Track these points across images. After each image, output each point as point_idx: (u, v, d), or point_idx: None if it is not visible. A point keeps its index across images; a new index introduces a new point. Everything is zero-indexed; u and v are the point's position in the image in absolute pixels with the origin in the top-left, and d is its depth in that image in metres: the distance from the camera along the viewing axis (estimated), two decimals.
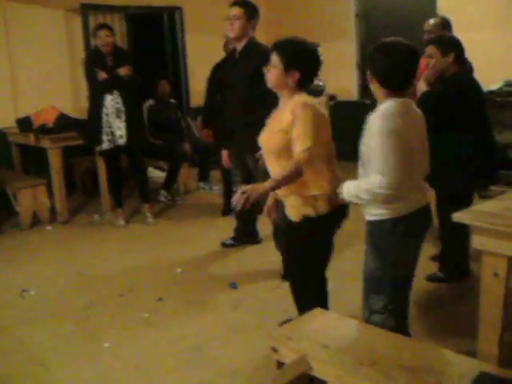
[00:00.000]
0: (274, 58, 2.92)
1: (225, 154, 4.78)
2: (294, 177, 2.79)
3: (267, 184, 2.80)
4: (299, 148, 2.77)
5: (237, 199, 2.70)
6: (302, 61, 2.91)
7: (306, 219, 2.90)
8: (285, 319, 3.38)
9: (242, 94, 4.41)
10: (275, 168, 2.96)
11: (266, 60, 3.00)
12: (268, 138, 2.97)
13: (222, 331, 3.57)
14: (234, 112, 4.53)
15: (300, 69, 2.87)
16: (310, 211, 2.88)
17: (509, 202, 2.39)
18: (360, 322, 2.64)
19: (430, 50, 3.87)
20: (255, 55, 4.20)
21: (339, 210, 2.93)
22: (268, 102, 3.16)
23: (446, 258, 4.17)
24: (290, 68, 2.88)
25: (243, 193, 2.70)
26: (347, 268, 4.15)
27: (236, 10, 4.34)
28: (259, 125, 3.10)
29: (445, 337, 3.34)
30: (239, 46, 4.47)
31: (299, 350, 2.37)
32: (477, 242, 2.27)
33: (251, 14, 4.39)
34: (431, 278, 4.15)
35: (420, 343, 2.44)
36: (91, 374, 3.18)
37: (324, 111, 2.93)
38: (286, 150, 2.85)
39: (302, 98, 2.90)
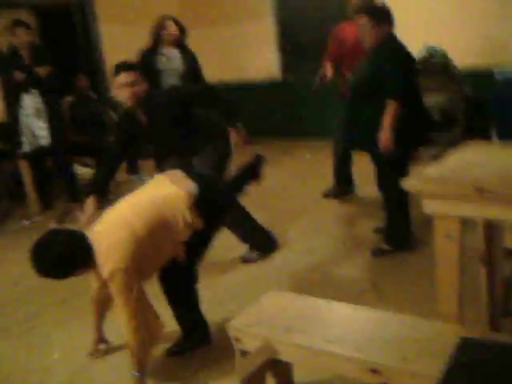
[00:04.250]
0: None
1: None
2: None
3: None
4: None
5: None
6: None
7: None
8: None
9: None
10: None
11: None
12: None
13: None
14: None
15: None
16: None
17: (453, 164, 2.39)
18: (318, 299, 2.61)
19: (363, 20, 3.83)
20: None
21: None
22: None
23: (392, 229, 4.11)
24: None
25: None
26: None
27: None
28: None
29: (401, 304, 3.37)
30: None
31: (262, 336, 2.33)
32: (428, 206, 2.26)
33: None
34: (376, 252, 4.11)
35: (380, 313, 2.44)
36: None
37: None
38: None
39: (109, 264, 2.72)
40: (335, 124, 5.30)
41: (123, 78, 3.59)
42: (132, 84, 3.58)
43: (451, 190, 2.15)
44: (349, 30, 5.06)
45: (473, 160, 2.39)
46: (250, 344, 2.36)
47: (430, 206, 2.23)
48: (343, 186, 5.49)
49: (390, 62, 3.79)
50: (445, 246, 2.28)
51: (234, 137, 3.95)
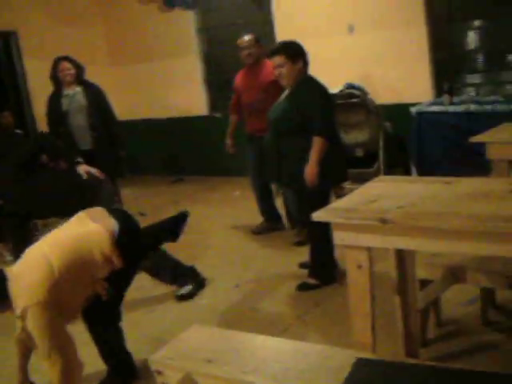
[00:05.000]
0: None
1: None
2: None
3: None
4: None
5: None
6: None
7: None
8: None
9: None
10: None
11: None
12: None
13: None
14: None
15: None
16: None
17: (361, 197, 2.52)
18: (239, 332, 2.67)
19: (279, 59, 3.95)
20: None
21: None
22: None
23: (317, 263, 4.19)
24: None
25: None
26: None
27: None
28: None
29: (327, 336, 3.46)
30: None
31: (183, 369, 2.36)
32: (338, 237, 2.38)
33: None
34: (302, 287, 4.16)
35: (298, 344, 2.52)
36: None
37: None
38: None
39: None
40: (249, 163, 5.48)
41: None
42: None
43: (357, 221, 2.26)
44: (239, 79, 5.42)
45: (380, 193, 2.52)
46: (172, 377, 2.39)
47: (339, 237, 2.34)
48: (271, 222, 5.60)
49: (313, 99, 3.93)
50: (356, 276, 2.39)
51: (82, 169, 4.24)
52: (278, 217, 5.60)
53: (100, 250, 2.88)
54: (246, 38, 5.23)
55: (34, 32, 7.95)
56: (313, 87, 4.01)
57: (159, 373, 2.44)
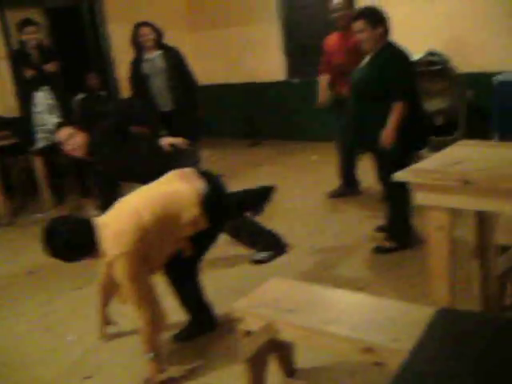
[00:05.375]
0: None
1: None
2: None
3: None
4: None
5: None
6: None
7: None
8: None
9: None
10: None
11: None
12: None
13: None
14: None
15: None
16: None
17: (443, 160, 2.55)
18: (318, 286, 2.78)
19: (360, 24, 3.98)
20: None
21: None
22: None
23: (394, 226, 4.24)
24: None
25: None
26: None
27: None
28: None
29: (400, 297, 3.51)
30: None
31: (265, 317, 2.49)
32: (418, 198, 2.42)
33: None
34: (379, 250, 4.23)
35: (377, 299, 2.60)
36: (58, 370, 3.23)
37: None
38: None
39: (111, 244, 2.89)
40: (336, 127, 5.49)
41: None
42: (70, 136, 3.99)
43: (439, 182, 2.31)
44: (331, 41, 5.39)
45: (462, 156, 2.54)
46: (253, 324, 2.52)
47: (420, 198, 2.39)
48: (348, 187, 5.66)
49: (395, 65, 3.95)
50: (436, 237, 2.44)
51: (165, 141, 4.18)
52: (356, 182, 5.66)
53: (187, 209, 3.01)
54: (336, 0, 5.21)
55: None
56: (394, 53, 4.02)
57: (241, 320, 2.59)
